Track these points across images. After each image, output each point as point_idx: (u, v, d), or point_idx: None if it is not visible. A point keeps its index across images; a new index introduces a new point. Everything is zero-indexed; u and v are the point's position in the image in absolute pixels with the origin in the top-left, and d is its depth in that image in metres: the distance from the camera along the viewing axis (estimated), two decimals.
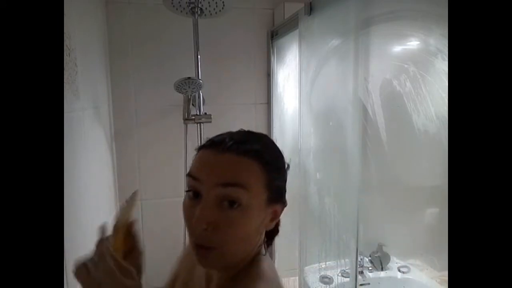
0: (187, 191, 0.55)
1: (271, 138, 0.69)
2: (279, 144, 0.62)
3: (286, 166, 0.61)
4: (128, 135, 1.73)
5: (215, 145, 0.54)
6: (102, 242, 0.54)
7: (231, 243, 0.53)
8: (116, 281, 0.50)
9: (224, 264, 0.56)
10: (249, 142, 0.55)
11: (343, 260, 1.24)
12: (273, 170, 0.56)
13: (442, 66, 1.17)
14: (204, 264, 0.55)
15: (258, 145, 0.56)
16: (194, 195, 0.54)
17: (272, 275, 0.58)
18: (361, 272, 1.49)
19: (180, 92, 1.43)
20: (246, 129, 0.66)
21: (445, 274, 1.49)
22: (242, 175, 0.52)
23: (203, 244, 0.52)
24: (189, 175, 0.54)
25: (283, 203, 0.59)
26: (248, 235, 0.55)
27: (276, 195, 0.58)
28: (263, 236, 0.60)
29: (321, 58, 1.36)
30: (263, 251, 0.61)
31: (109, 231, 0.58)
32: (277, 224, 0.61)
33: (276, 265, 1.04)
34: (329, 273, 1.42)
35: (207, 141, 0.57)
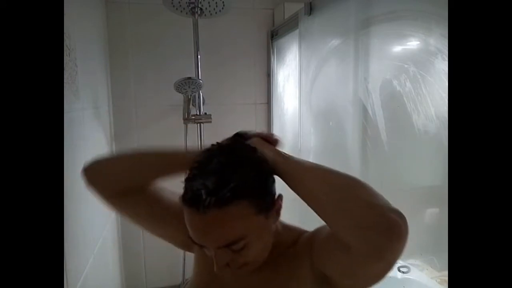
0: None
1: None
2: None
3: (264, 162, 0.58)
4: (128, 135, 1.73)
5: (194, 204, 0.51)
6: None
7: (255, 258, 0.57)
8: None
9: (257, 266, 0.59)
10: (224, 180, 0.51)
11: None
12: (258, 190, 0.54)
13: (442, 66, 1.17)
14: (240, 274, 0.58)
15: (233, 175, 0.52)
16: (201, 246, 0.55)
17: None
18: None
19: (180, 92, 1.43)
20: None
21: (445, 274, 1.49)
22: (237, 228, 0.52)
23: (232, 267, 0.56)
24: (190, 238, 0.55)
25: (278, 197, 0.60)
26: (266, 244, 0.58)
27: (271, 201, 0.58)
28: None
29: (321, 58, 1.36)
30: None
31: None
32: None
33: None
34: None
35: (186, 193, 0.53)
